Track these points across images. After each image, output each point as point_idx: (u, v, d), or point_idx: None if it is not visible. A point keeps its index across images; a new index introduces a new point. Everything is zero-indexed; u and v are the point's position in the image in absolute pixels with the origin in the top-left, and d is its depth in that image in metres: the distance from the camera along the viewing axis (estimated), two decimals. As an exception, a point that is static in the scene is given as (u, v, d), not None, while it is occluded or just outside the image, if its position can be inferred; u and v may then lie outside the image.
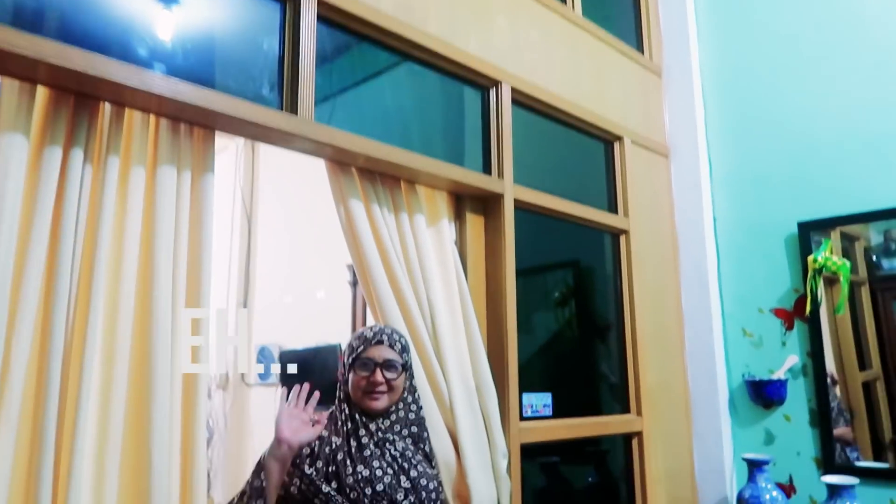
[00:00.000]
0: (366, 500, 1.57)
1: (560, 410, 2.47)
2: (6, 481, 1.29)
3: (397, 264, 2.00)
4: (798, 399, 2.83)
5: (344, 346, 1.78)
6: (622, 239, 2.88)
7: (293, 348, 5.25)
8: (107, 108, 1.51)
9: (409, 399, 1.77)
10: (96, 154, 1.48)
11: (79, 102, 1.45)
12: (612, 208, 2.90)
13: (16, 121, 1.36)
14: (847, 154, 2.83)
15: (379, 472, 1.62)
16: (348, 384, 1.72)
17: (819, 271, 2.77)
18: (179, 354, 1.54)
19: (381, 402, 1.69)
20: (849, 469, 2.64)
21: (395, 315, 1.95)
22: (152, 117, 1.58)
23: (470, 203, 2.31)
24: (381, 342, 1.72)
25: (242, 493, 1.57)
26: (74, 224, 1.40)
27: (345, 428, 1.68)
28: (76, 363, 1.39)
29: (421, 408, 1.80)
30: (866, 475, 2.59)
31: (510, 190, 2.33)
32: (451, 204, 2.28)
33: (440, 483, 1.76)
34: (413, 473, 1.66)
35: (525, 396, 2.31)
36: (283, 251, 5.58)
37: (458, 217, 2.30)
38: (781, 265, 2.94)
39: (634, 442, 2.72)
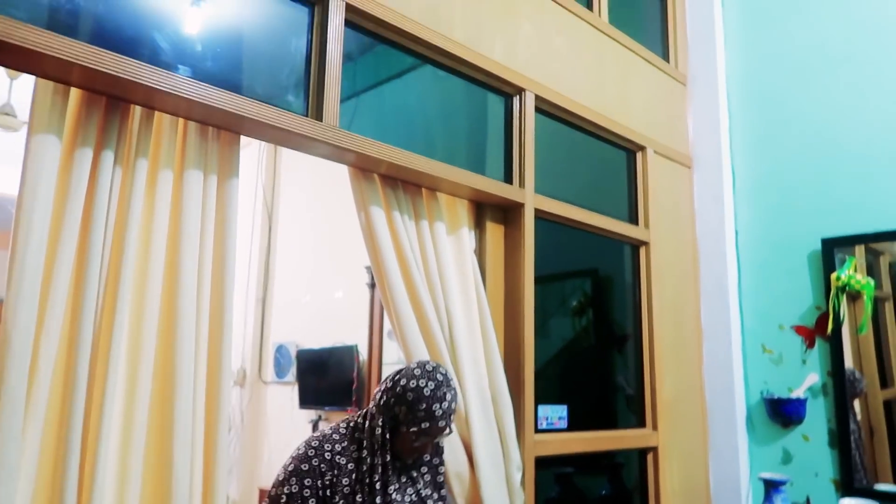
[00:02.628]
0: None
1: (575, 422, 2.45)
2: (32, 475, 1.31)
3: (416, 272, 2.00)
4: (817, 419, 2.79)
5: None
6: (642, 250, 2.86)
7: (310, 347, 5.29)
8: (137, 111, 1.52)
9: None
10: (126, 156, 1.50)
11: (110, 105, 1.47)
12: (633, 219, 2.88)
13: (49, 121, 1.38)
14: (874, 169, 2.79)
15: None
16: (395, 434, 1.66)
17: (842, 289, 2.73)
18: (202, 353, 1.56)
19: (415, 458, 1.72)
20: (868, 492, 2.60)
21: (412, 324, 1.95)
22: (181, 121, 1.59)
23: (490, 211, 2.31)
24: (449, 429, 1.67)
25: None
26: (104, 225, 1.42)
27: (377, 473, 1.63)
28: (102, 361, 1.41)
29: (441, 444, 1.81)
30: (887, 499, 2.55)
31: (531, 199, 2.33)
32: (472, 212, 2.28)
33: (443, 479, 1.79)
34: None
35: (540, 409, 2.30)
36: (302, 250, 5.61)
37: (479, 225, 2.29)
38: (804, 281, 2.90)
39: (650, 457, 2.70)
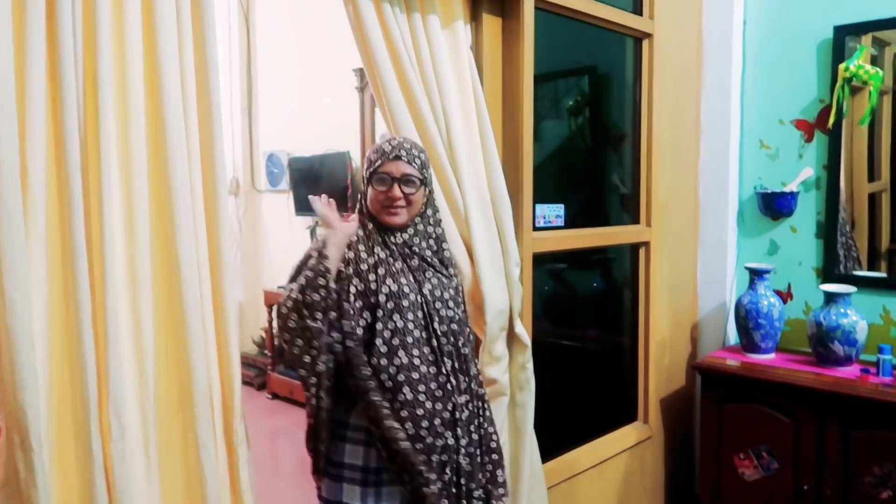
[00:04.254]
0: (396, 316, 1.64)
1: (572, 220, 2.49)
2: (44, 287, 1.33)
3: (410, 70, 1.90)
4: (807, 211, 2.85)
5: (361, 159, 1.74)
6: (645, 44, 2.71)
7: (301, 155, 5.24)
8: None
9: (429, 213, 1.78)
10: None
11: None
12: (637, 9, 2.70)
13: None
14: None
15: (406, 288, 1.66)
16: (367, 198, 1.72)
17: (849, 80, 2.64)
18: (196, 162, 1.52)
19: (400, 217, 1.69)
20: (846, 278, 2.72)
21: (408, 124, 1.89)
22: None
23: (487, 3, 2.14)
24: (399, 157, 1.67)
25: (301, 277, 1.60)
26: (72, 32, 1.31)
27: (368, 242, 1.70)
28: (94, 174, 1.37)
29: (440, 221, 1.81)
30: (863, 284, 2.69)
31: (531, -13, 2.16)
32: (467, 4, 2.11)
33: (458, 289, 1.80)
34: (427, 287, 1.70)
35: (538, 208, 2.32)
36: (284, 55, 5.35)
37: (475, 18, 2.14)
38: (810, 74, 2.80)
39: (642, 251, 2.78)
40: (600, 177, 2.98)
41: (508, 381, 2.12)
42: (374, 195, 1.68)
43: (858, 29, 2.66)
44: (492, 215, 2.07)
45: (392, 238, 1.71)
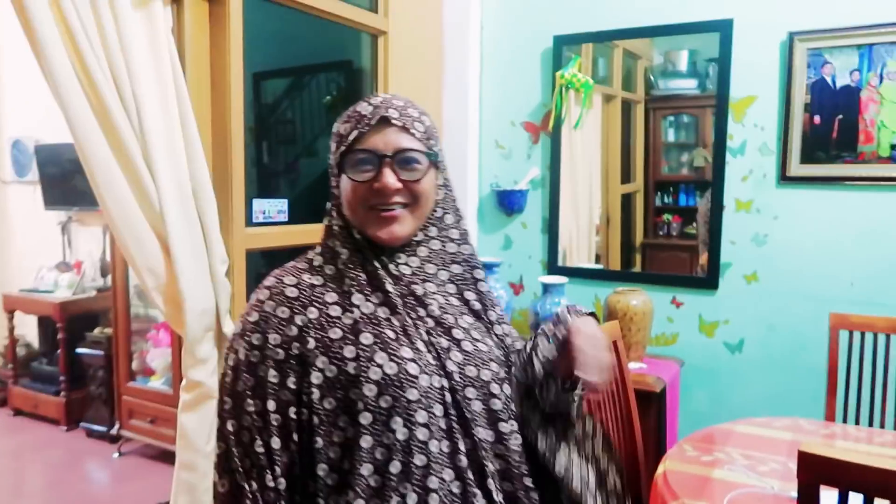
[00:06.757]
0: (397, 420, 0.94)
1: (302, 216, 2.45)
2: None
3: (90, 51, 1.74)
4: (535, 208, 3.05)
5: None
6: (381, 40, 2.74)
7: (51, 142, 4.76)
8: None
9: (450, 220, 1.10)
10: None
11: None
12: (374, 6, 2.72)
13: None
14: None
15: (412, 367, 0.97)
16: (340, 199, 1.04)
17: (565, 87, 2.86)
18: None
19: (401, 225, 1.02)
20: (566, 270, 2.95)
21: (85, 110, 1.74)
22: None
23: (190, -16, 2.03)
24: (386, 120, 1.00)
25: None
26: None
27: (342, 284, 1.02)
28: None
29: (467, 235, 1.15)
30: (583, 275, 2.93)
31: (238, -28, 2.07)
32: (167, -17, 1.99)
33: (502, 358, 1.06)
34: (455, 358, 1.01)
35: (256, 202, 2.25)
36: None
37: (176, 0, 2.02)
38: (535, 79, 3.00)
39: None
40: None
41: (217, 382, 2.03)
42: (350, 191, 1.01)
43: (573, 39, 2.89)
44: (194, 210, 1.97)
45: (391, 265, 1.04)
